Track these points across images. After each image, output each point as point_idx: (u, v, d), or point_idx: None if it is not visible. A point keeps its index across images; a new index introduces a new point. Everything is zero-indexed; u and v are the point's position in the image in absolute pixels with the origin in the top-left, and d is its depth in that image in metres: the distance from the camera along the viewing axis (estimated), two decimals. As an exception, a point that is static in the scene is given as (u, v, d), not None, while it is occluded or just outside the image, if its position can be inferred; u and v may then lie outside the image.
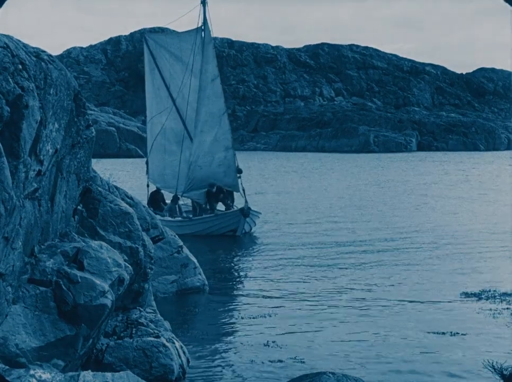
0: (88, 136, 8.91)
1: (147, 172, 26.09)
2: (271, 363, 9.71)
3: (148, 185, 25.73)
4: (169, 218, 23.23)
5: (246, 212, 21.67)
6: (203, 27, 23.95)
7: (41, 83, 7.28)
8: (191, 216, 23.91)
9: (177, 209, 23.82)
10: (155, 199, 24.66)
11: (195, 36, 24.07)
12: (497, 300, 13.13)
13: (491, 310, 12.42)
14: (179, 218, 23.52)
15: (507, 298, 13.20)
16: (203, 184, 23.12)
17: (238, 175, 23.05)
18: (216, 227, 22.27)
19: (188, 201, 24.95)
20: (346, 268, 16.47)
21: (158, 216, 22.97)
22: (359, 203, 31.17)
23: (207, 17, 23.82)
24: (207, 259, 18.14)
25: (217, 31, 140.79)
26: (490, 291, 13.83)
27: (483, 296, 13.44)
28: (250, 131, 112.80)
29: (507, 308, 12.50)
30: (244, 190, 22.95)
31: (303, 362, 9.69)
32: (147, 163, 26.26)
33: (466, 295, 13.60)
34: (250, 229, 22.70)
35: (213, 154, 22.98)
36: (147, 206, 24.19)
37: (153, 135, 25.63)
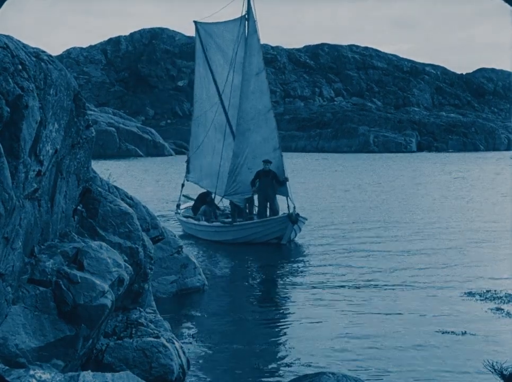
0: (88, 136, 8.91)
1: (188, 171, 24.25)
2: (271, 363, 9.72)
3: (183, 185, 24.01)
4: (205, 223, 21.14)
5: (294, 218, 19.56)
6: (246, 16, 21.58)
7: (40, 83, 7.27)
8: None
9: (212, 213, 21.90)
10: (204, 202, 22.55)
11: (239, 26, 21.78)
12: (503, 299, 13.09)
13: (495, 309, 12.39)
14: (218, 223, 21.03)
15: (513, 298, 13.20)
16: (249, 188, 21.03)
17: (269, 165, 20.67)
18: (260, 234, 20.04)
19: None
20: (346, 269, 16.48)
21: (191, 220, 21.67)
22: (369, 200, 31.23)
23: (252, 5, 21.42)
24: (207, 259, 18.14)
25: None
26: (495, 290, 13.81)
27: (488, 295, 13.42)
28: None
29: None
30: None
31: (304, 362, 9.69)
32: (187, 161, 24.39)
33: (470, 294, 13.59)
34: (295, 236, 20.53)
35: (263, 155, 20.91)
36: (187, 207, 23.28)
37: (201, 132, 23.73)
